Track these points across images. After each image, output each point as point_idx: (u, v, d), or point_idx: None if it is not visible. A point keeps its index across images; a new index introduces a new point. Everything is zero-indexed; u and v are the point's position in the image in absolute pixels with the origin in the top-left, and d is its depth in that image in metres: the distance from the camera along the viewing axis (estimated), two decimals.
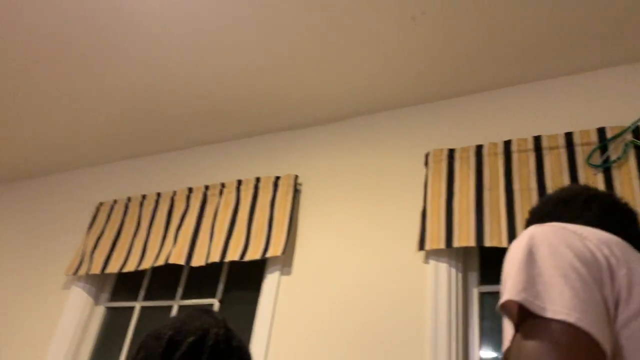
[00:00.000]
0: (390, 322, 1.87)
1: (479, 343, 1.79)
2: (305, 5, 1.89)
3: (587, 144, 1.83)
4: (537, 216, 1.02)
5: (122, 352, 2.44)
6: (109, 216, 2.71)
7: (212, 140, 2.74)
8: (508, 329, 0.73)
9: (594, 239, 0.75)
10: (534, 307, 0.67)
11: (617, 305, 0.69)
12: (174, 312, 2.43)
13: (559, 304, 0.66)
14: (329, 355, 1.90)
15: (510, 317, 0.71)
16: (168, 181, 2.74)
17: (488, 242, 1.79)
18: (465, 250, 1.95)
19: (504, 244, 1.77)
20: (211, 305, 2.37)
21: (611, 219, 0.93)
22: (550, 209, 0.99)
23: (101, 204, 2.79)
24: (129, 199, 2.71)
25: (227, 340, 1.03)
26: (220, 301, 2.36)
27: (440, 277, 1.86)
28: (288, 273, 2.17)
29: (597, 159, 1.80)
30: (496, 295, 1.88)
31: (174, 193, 2.58)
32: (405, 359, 1.78)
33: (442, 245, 1.86)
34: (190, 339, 0.99)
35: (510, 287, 0.70)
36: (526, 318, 0.68)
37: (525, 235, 0.77)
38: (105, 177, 2.99)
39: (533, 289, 0.68)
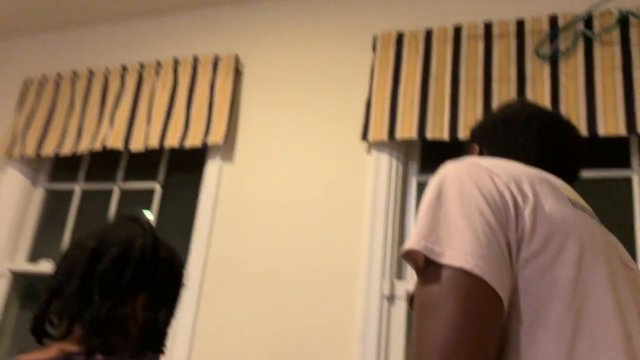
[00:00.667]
0: (330, 211, 1.89)
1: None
2: None
3: (538, 32, 1.76)
4: (477, 137, 0.99)
5: (63, 238, 2.43)
6: (39, 94, 2.53)
7: (146, 11, 2.51)
8: (414, 274, 0.73)
9: (504, 175, 0.73)
10: (433, 254, 0.66)
11: (519, 245, 0.68)
12: (115, 196, 2.40)
13: (458, 249, 0.65)
14: (270, 241, 1.94)
15: (413, 264, 0.70)
16: (100, 56, 2.54)
17: (430, 135, 1.78)
18: (407, 142, 1.94)
19: (445, 136, 1.76)
20: (152, 189, 2.33)
21: (550, 141, 0.91)
22: (490, 130, 0.96)
23: (30, 80, 2.58)
24: (59, 76, 2.52)
25: (154, 250, 1.01)
26: (162, 186, 2.33)
27: (381, 168, 1.86)
28: (230, 160, 2.13)
29: (546, 49, 1.74)
30: None
31: (107, 71, 2.41)
32: (344, 245, 1.83)
33: (384, 137, 1.83)
34: (114, 251, 0.96)
35: (413, 234, 0.69)
36: (428, 264, 0.67)
37: (438, 175, 0.75)
38: (32, 50, 2.74)
39: (435, 234, 0.67)
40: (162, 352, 1.04)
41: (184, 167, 2.32)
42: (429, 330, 0.63)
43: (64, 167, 2.58)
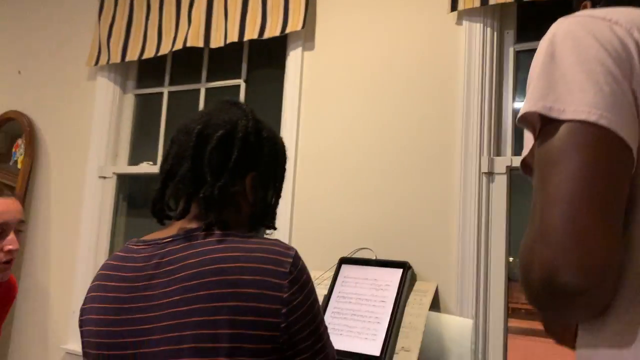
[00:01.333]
0: (421, 89, 1.81)
1: (512, 99, 1.74)
2: None
3: None
4: None
5: (159, 139, 2.52)
6: (116, 2, 2.54)
7: None
8: (529, 139, 0.69)
9: (624, 22, 0.64)
10: (553, 112, 0.61)
11: None
12: (202, 95, 2.43)
13: (580, 102, 0.60)
14: (359, 125, 1.91)
15: (531, 129, 0.66)
16: None
17: None
18: (502, 7, 1.78)
19: None
20: (237, 85, 2.34)
21: None
22: None
23: None
24: None
25: (257, 131, 1.01)
26: (246, 81, 2.33)
27: (473, 39, 1.74)
28: (311, 48, 2.07)
29: None
30: (532, 53, 1.76)
31: None
32: (438, 122, 1.77)
33: (476, 3, 1.69)
34: (220, 132, 0.97)
35: (529, 97, 0.65)
36: (547, 124, 0.63)
37: (549, 33, 0.69)
38: None
39: (553, 93, 0.62)
40: (273, 227, 1.08)
41: (266, 60, 2.29)
42: (552, 185, 0.59)
43: (149, 72, 2.64)
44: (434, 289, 1.68)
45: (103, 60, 2.52)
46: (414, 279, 1.72)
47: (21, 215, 1.43)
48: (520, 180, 1.70)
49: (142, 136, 2.63)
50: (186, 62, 2.52)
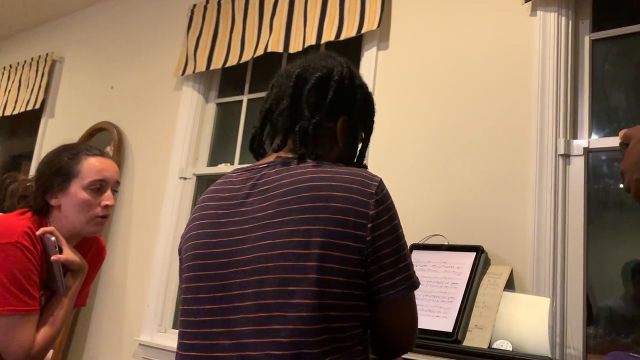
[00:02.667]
0: (496, 80, 1.85)
1: (589, 94, 1.74)
2: None
3: None
4: None
5: (236, 145, 2.66)
6: (204, 17, 2.77)
7: None
8: None
9: None
10: None
11: None
12: None
13: None
14: (434, 117, 1.95)
15: None
16: None
17: None
18: None
19: None
20: None
21: None
22: None
23: (194, 5, 2.83)
24: None
25: (351, 77, 1.08)
26: None
27: (548, 28, 1.77)
28: (385, 47, 2.16)
29: None
30: (610, 40, 1.76)
31: None
32: (514, 112, 1.79)
33: None
34: (318, 74, 1.04)
35: None
36: None
37: None
38: None
39: None
40: (364, 166, 1.12)
41: None
42: None
43: (231, 83, 2.81)
44: (509, 272, 1.65)
45: (189, 70, 2.72)
46: (487, 263, 1.70)
47: (118, 177, 1.55)
48: (598, 163, 1.68)
49: (221, 141, 2.78)
50: (264, 73, 2.68)
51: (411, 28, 2.10)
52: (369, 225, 0.89)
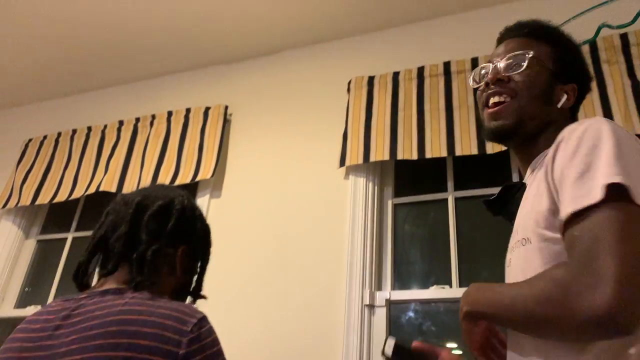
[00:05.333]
0: (313, 234, 2.01)
1: (392, 249, 1.96)
2: None
3: None
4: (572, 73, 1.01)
5: (52, 285, 2.47)
6: (38, 151, 2.70)
7: (143, 76, 2.77)
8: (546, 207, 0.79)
9: None
10: (635, 193, 0.70)
11: None
12: None
13: None
14: (257, 271, 2.03)
15: (599, 194, 0.72)
16: (99, 116, 2.75)
17: (401, 156, 1.96)
18: (382, 166, 2.11)
19: (414, 156, 1.94)
20: None
21: None
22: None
23: (30, 139, 2.77)
24: (59, 134, 2.71)
25: (192, 208, 1.10)
26: None
27: (358, 191, 2.02)
28: (218, 196, 2.27)
29: None
30: (408, 206, 2.05)
31: (105, 127, 2.61)
32: (327, 262, 1.93)
33: (360, 160, 2.01)
34: (160, 202, 1.04)
35: (604, 169, 0.72)
36: (618, 200, 0.70)
37: (600, 124, 0.78)
38: (36, 115, 2.96)
39: (630, 177, 0.71)
40: (202, 297, 1.12)
41: None
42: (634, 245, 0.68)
43: (57, 218, 2.69)
44: None
45: (12, 202, 2.57)
46: None
47: None
48: (398, 312, 1.84)
49: (37, 282, 2.56)
50: (95, 210, 2.62)
51: (243, 180, 2.26)
52: None
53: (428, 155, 1.92)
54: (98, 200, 2.48)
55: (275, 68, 2.49)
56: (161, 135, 2.44)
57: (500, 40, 1.07)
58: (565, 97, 0.97)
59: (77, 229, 2.61)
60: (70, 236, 2.60)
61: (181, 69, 2.69)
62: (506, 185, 0.98)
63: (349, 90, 2.20)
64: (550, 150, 0.83)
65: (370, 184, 2.03)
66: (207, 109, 2.42)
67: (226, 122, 2.41)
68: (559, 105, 0.97)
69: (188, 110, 2.46)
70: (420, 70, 2.11)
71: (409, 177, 2.11)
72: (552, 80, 0.97)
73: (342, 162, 2.05)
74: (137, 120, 2.54)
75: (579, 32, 1.80)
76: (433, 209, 2.01)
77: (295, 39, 2.44)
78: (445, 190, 2.02)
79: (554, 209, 0.78)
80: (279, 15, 2.31)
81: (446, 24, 2.24)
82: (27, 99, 3.01)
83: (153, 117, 2.51)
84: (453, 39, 2.18)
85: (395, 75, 2.14)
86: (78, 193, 2.44)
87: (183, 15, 2.35)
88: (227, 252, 2.11)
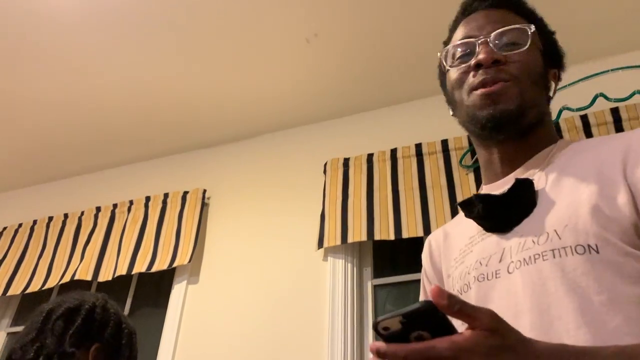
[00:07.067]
0: (293, 316, 1.98)
1: (372, 330, 1.93)
2: (210, 33, 2.06)
3: (460, 148, 2.09)
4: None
5: None
6: (12, 239, 2.66)
7: (122, 162, 2.79)
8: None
9: None
10: None
11: None
12: None
13: None
14: (236, 358, 1.98)
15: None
16: (76, 203, 2.74)
17: (378, 236, 1.98)
18: (361, 247, 2.13)
19: (391, 237, 1.96)
20: None
21: None
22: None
23: (4, 228, 2.73)
24: (34, 222, 2.68)
25: (104, 307, 1.11)
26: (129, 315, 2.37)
27: (337, 272, 2.01)
28: (195, 282, 2.24)
29: (469, 161, 2.05)
30: (387, 287, 2.05)
31: (82, 213, 2.60)
32: (307, 346, 1.89)
33: (338, 242, 2.02)
34: (67, 306, 1.06)
35: None
36: None
37: None
38: (11, 203, 2.93)
39: None
40: None
41: (150, 298, 2.40)
42: None
43: (29, 309, 2.60)
44: None
45: None
46: None
47: None
48: None
49: None
50: None
51: (221, 264, 2.24)
52: None
53: (405, 235, 1.95)
54: (73, 289, 2.42)
55: (252, 151, 2.54)
56: (139, 221, 2.43)
57: (468, 12, 0.89)
58: (553, 84, 0.85)
59: None
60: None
61: (159, 155, 2.73)
62: (518, 181, 0.75)
63: (325, 172, 2.25)
64: (620, 146, 0.70)
65: (349, 265, 2.04)
66: (185, 193, 2.44)
67: (204, 205, 2.42)
68: (551, 94, 0.84)
69: (166, 195, 2.47)
70: (394, 152, 2.18)
71: (388, 257, 2.11)
72: (544, 62, 0.84)
73: (321, 243, 2.06)
74: (115, 206, 2.54)
75: None
76: (412, 289, 2.01)
77: (271, 122, 2.51)
78: None
79: (638, 222, 0.64)
80: (255, 100, 2.39)
81: (417, 106, 2.34)
82: (3, 187, 2.99)
83: (131, 202, 2.51)
84: (424, 122, 2.27)
85: (370, 156, 2.21)
86: (52, 282, 2.38)
87: (159, 102, 2.42)
88: (204, 339, 2.06)
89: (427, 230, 1.92)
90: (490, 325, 0.46)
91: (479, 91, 0.79)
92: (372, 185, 2.12)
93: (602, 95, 1.84)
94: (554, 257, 0.65)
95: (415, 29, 2.05)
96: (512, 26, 0.80)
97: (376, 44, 2.12)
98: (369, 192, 2.11)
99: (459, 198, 1.96)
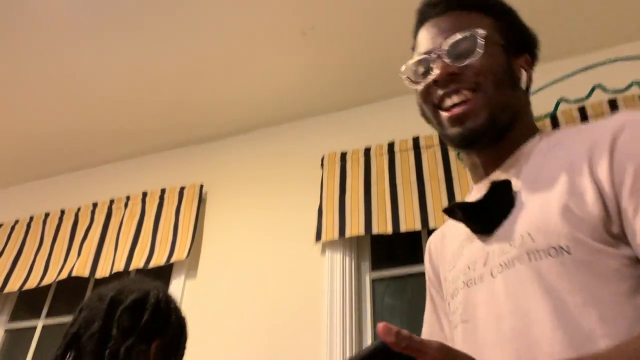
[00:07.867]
0: (291, 311, 1.98)
1: (371, 324, 1.93)
2: (207, 27, 2.04)
3: None
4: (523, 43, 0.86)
5: None
6: (9, 236, 2.65)
7: (118, 158, 2.78)
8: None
9: None
10: None
11: None
12: None
13: None
14: (234, 352, 1.97)
15: None
16: (73, 199, 2.73)
17: (376, 230, 1.97)
18: (359, 241, 2.12)
19: (389, 231, 1.95)
20: None
21: None
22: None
23: (1, 225, 2.72)
24: (31, 218, 2.67)
25: (167, 301, 1.09)
26: None
27: (335, 266, 2.01)
28: (193, 277, 2.23)
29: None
30: (385, 281, 2.05)
31: (78, 209, 2.59)
32: (306, 340, 1.89)
33: (336, 236, 2.01)
34: (133, 297, 1.04)
35: None
36: None
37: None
38: (7, 200, 2.92)
39: None
40: None
41: None
42: None
43: (27, 305, 2.60)
44: None
45: None
46: None
47: None
48: None
49: None
50: (67, 296, 2.54)
51: (219, 259, 2.23)
52: None
53: (402, 229, 1.94)
54: (70, 286, 2.42)
55: (249, 146, 2.53)
56: (135, 216, 2.42)
57: (423, 20, 0.89)
58: (524, 73, 0.82)
59: (48, 316, 2.52)
60: (40, 323, 2.50)
61: (155, 150, 2.71)
62: (495, 184, 0.75)
63: (322, 166, 2.24)
64: (586, 141, 0.69)
65: (347, 259, 2.03)
66: (182, 188, 2.43)
67: (201, 201, 2.41)
68: (523, 86, 0.81)
69: (163, 191, 2.46)
70: (391, 146, 2.17)
71: (385, 250, 2.11)
72: (507, 56, 0.80)
73: (318, 237, 2.05)
74: (112, 201, 2.53)
75: (539, 107, 1.88)
76: (410, 283, 2.00)
77: (268, 117, 2.50)
78: (422, 262, 2.02)
79: (606, 219, 0.63)
80: (251, 95, 2.38)
81: (415, 99, 2.32)
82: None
83: (127, 198, 2.50)
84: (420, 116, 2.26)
85: (367, 150, 2.20)
86: (49, 279, 2.38)
87: (156, 97, 2.40)
88: (203, 334, 2.05)
89: (425, 223, 1.92)
90: (439, 357, 0.46)
91: (445, 114, 0.79)
92: (370, 179, 2.12)
93: (599, 86, 1.83)
94: (530, 260, 0.66)
95: (413, 21, 2.03)
96: (460, 37, 0.79)
97: (374, 37, 2.10)
98: (367, 186, 2.10)
99: (457, 191, 1.96)
